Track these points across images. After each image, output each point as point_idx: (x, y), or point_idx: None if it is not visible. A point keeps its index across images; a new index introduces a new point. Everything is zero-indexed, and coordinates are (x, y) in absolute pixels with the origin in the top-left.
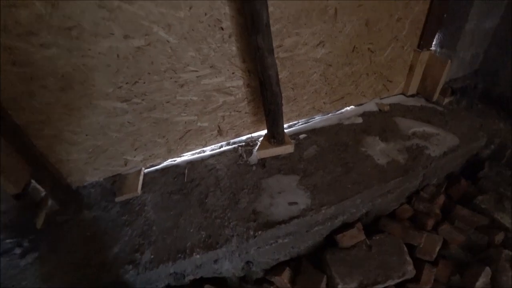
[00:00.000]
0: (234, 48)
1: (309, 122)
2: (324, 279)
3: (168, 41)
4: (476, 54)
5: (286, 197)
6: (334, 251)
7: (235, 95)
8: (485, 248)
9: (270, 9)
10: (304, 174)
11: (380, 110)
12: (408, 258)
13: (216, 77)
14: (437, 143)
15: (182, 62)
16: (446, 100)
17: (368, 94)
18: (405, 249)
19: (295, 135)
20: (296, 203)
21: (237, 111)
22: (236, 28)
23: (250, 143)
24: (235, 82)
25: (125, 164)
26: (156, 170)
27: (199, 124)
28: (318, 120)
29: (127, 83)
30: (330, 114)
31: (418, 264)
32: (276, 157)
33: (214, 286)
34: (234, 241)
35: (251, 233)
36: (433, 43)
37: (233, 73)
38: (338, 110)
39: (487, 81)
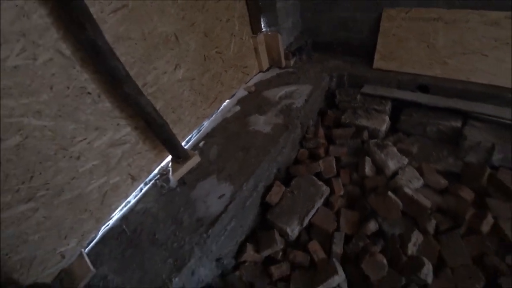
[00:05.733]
0: (108, 104)
1: (201, 130)
2: (276, 233)
3: (45, 126)
4: (295, 21)
5: (215, 194)
6: (271, 211)
7: (129, 142)
8: (362, 148)
9: (122, 59)
10: (218, 171)
11: (249, 92)
12: (320, 183)
13: (104, 135)
14: (298, 96)
15: (67, 138)
16: (292, 62)
17: (235, 84)
18: (315, 178)
19: (195, 146)
20: (223, 194)
21: (138, 153)
22: (102, 86)
23: (164, 172)
24: (123, 131)
25: (63, 257)
26: (97, 243)
27: (111, 181)
28: (207, 124)
29: (23, 182)
30: (213, 115)
31: (328, 183)
32: (190, 171)
33: None
34: (196, 250)
35: (204, 235)
36: (262, 26)
37: (117, 124)
38: (218, 109)
39: (312, 36)
